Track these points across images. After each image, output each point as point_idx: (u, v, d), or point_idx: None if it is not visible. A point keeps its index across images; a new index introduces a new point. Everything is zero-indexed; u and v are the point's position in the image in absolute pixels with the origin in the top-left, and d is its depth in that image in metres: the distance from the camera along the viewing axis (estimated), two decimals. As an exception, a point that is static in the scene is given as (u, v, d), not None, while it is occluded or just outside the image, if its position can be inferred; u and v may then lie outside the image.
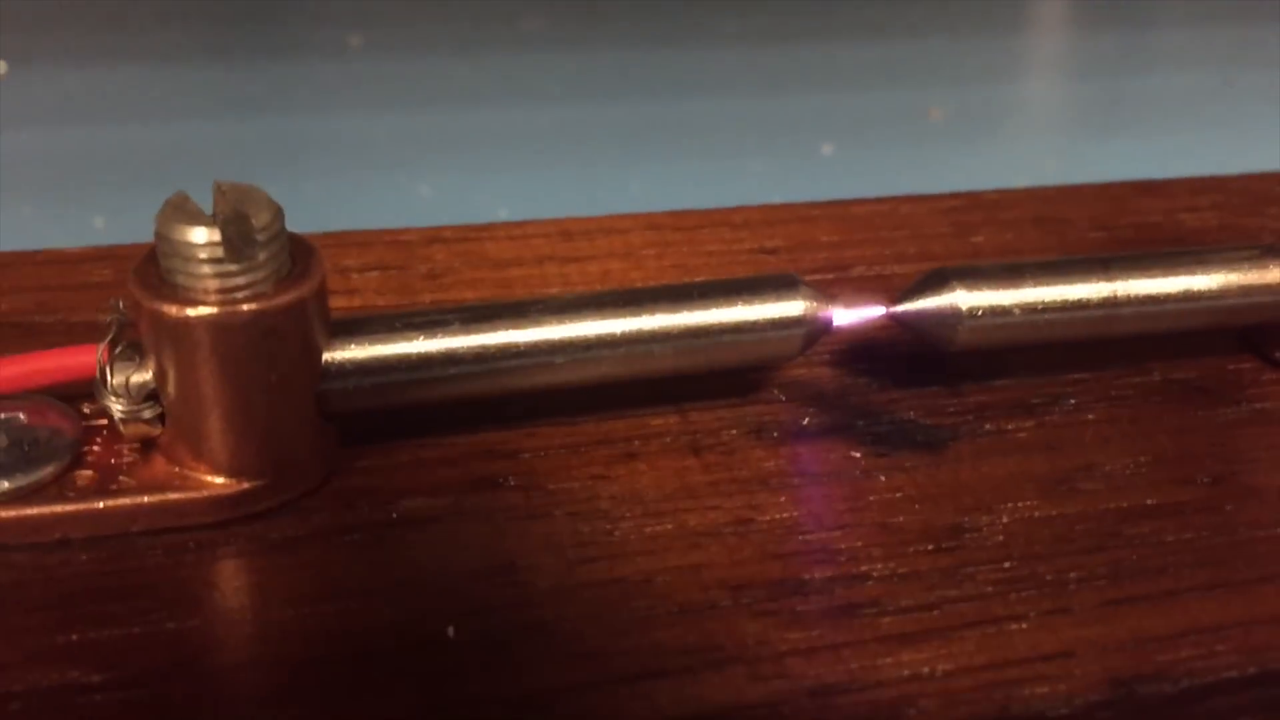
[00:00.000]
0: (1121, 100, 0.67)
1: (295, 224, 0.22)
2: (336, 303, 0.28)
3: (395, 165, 0.57)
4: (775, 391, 0.26)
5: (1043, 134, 0.65)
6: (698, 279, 0.25)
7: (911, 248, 0.32)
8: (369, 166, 0.58)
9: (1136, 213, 0.35)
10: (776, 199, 0.35)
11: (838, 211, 0.34)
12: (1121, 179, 0.38)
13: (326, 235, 0.31)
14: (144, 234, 0.23)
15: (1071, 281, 0.26)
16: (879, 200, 0.35)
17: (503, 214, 0.51)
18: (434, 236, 0.32)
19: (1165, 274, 0.26)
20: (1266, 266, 0.27)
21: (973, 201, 0.35)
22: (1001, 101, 0.67)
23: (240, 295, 0.21)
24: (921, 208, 0.34)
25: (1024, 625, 0.21)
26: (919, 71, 0.68)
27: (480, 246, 0.31)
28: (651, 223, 0.33)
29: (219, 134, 0.60)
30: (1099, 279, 0.26)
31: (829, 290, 0.25)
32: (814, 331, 0.25)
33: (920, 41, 0.72)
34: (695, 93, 0.65)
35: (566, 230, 0.32)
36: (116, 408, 0.21)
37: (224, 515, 0.22)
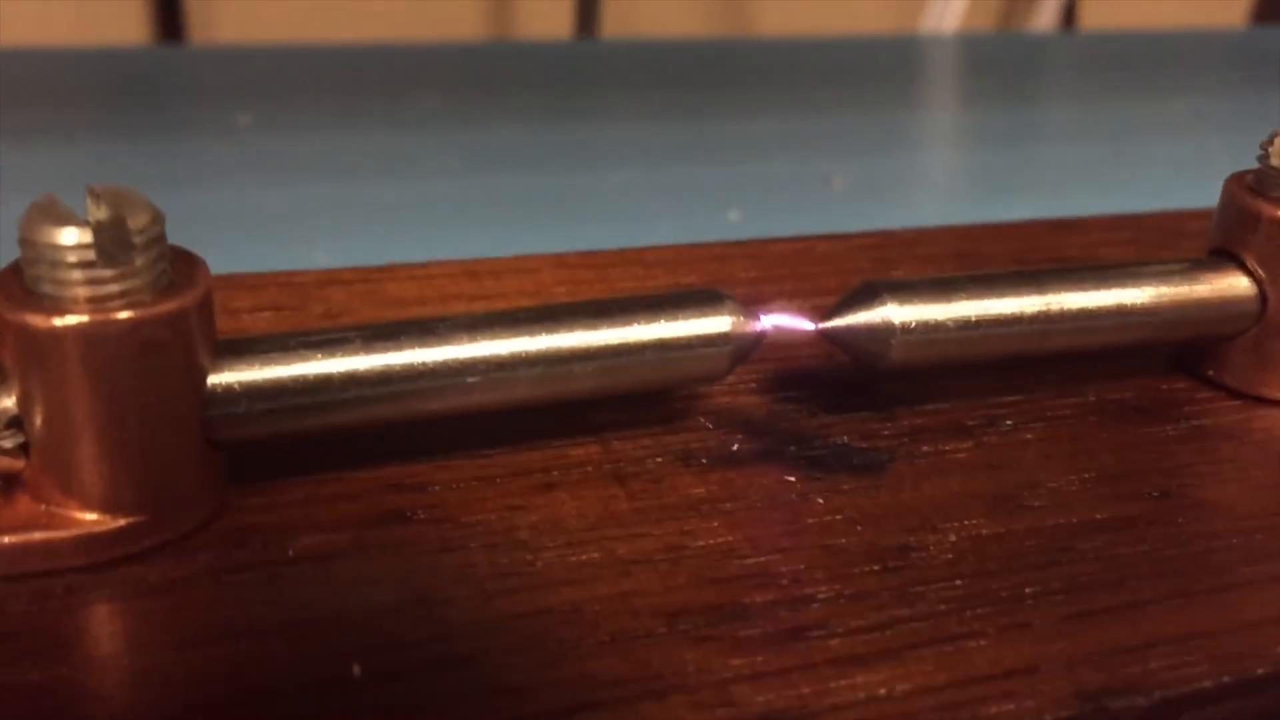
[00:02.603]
0: (1013, 169, 0.68)
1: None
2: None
3: (290, 238, 0.55)
4: (701, 419, 0.25)
5: (939, 201, 0.65)
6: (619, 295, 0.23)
7: (832, 282, 0.31)
8: (263, 241, 0.56)
9: (1054, 248, 0.34)
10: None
11: (754, 250, 0.33)
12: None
13: (215, 277, 0.29)
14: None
15: (1004, 295, 0.25)
16: (796, 239, 0.34)
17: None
18: (331, 279, 0.30)
19: (1098, 288, 0.25)
20: (1197, 280, 0.26)
21: (889, 240, 0.34)
22: (899, 170, 0.67)
23: (114, 304, 0.18)
24: (839, 246, 0.34)
25: (983, 642, 0.19)
26: (821, 144, 0.68)
27: (381, 287, 0.30)
28: (561, 262, 0.31)
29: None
30: (1032, 293, 0.25)
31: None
32: (742, 348, 0.23)
33: (820, 118, 0.73)
34: (599, 164, 0.64)
35: (472, 270, 0.31)
36: (-27, 437, 0.19)
37: (98, 556, 0.19)
